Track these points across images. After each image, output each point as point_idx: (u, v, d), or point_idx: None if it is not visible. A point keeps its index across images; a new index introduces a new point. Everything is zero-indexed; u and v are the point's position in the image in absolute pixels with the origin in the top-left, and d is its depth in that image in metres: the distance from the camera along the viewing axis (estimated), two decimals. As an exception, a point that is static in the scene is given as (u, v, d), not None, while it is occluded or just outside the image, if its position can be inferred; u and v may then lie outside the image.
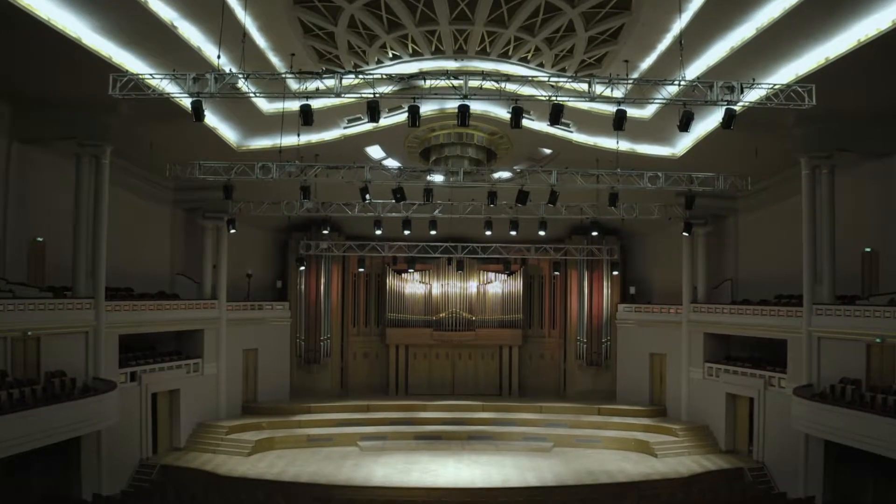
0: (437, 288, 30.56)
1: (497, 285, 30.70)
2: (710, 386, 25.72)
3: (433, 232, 25.16)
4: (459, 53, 19.86)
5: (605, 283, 29.95)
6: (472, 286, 30.59)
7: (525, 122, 22.90)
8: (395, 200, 21.85)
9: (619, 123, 15.68)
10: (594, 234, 25.23)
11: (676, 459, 23.75)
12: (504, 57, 20.01)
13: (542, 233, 24.98)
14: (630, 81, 15.74)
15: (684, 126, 15.42)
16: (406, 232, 24.83)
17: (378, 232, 24.99)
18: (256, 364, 28.68)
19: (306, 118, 15.86)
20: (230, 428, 25.27)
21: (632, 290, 29.96)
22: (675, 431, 25.33)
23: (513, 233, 24.88)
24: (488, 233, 25.01)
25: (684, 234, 25.21)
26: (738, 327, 24.64)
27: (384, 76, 16.04)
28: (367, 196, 21.69)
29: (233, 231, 25.38)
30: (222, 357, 26.70)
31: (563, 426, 26.68)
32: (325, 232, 25.41)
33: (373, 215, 25.02)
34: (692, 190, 21.85)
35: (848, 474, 19.02)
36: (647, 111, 21.86)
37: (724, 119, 15.04)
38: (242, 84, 15.47)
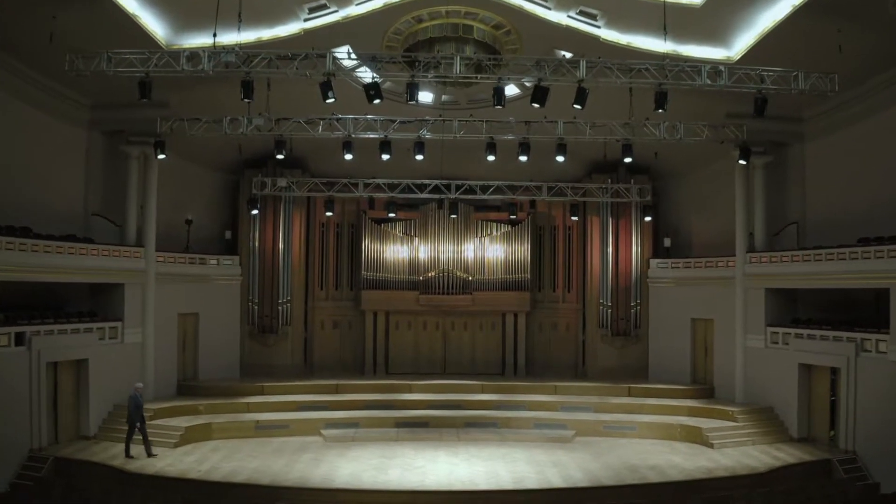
0: (424, 240, 24.68)
1: (499, 237, 24.85)
2: (775, 356, 20.14)
3: (419, 157, 19.35)
4: None
5: (634, 233, 24.21)
6: (468, 237, 24.75)
7: (538, 10, 17.52)
8: (367, 99, 16.16)
9: None
10: (627, 160, 19.41)
11: (740, 451, 18.17)
12: None
13: (560, 158, 19.25)
14: None
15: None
16: (385, 157, 19.08)
17: (348, 157, 19.22)
18: (197, 332, 22.88)
19: None
20: (156, 412, 19.44)
21: (666, 241, 24.25)
22: (732, 415, 19.69)
23: (522, 158, 19.13)
24: (491, 158, 19.27)
25: (741, 161, 19.66)
26: (815, 278, 19.11)
27: None
28: (331, 94, 16.03)
29: (161, 157, 19.65)
30: (149, 321, 20.86)
31: (586, 410, 21.03)
32: (281, 157, 19.44)
33: (341, 135, 19.25)
34: (763, 91, 16.25)
35: None
36: (699, -8, 16.42)
37: None
38: None
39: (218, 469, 16.23)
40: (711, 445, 18.49)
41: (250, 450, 18.04)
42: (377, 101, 16.28)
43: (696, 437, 19.06)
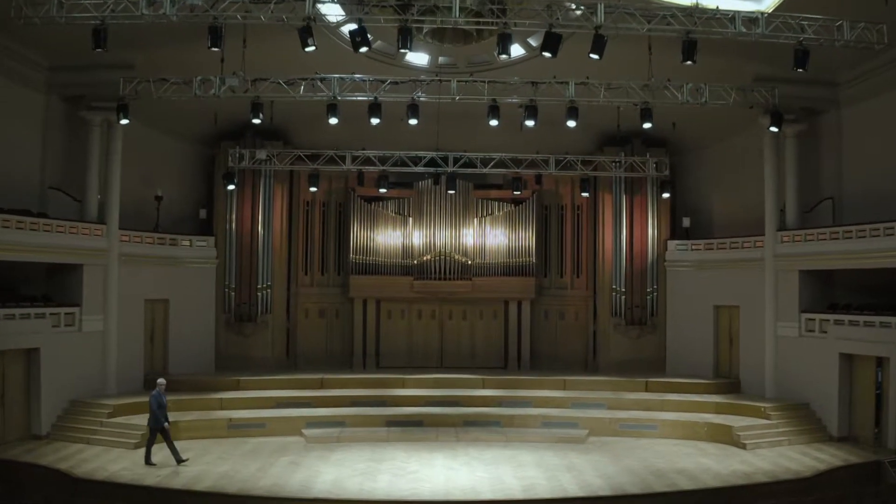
0: (419, 220, 22.50)
1: (501, 217, 22.67)
2: (811, 346, 18.05)
3: (413, 121, 17.15)
4: None
5: (650, 212, 22.06)
6: (467, 218, 22.58)
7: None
8: (352, 47, 13.99)
9: None
10: (646, 125, 17.27)
11: (775, 452, 16.12)
12: None
13: (570, 123, 17.10)
14: None
15: None
16: (374, 121, 16.92)
17: (333, 121, 17.02)
18: (166, 321, 20.69)
19: None
20: (116, 408, 17.32)
21: (685, 221, 22.09)
22: (765, 412, 17.59)
23: (529, 123, 16.97)
24: (493, 122, 17.10)
25: (772, 129, 17.55)
26: (856, 257, 17.03)
27: None
28: (311, 41, 13.93)
29: (124, 122, 17.48)
30: (112, 307, 18.69)
31: (599, 407, 18.91)
32: (257, 121, 17.22)
33: (325, 96, 17.03)
34: (804, 42, 14.13)
35: None
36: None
37: None
38: None
39: (180, 474, 14.08)
40: (743, 446, 16.43)
41: (221, 452, 15.91)
42: (364, 50, 14.15)
43: (724, 436, 16.98)
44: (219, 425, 17.38)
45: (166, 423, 14.92)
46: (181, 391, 18.97)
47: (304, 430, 17.42)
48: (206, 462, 14.88)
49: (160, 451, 14.89)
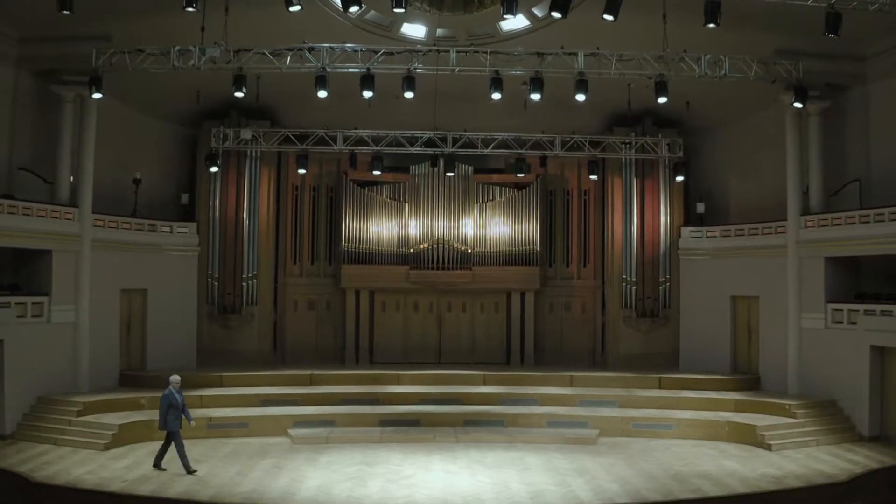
0: (416, 206, 21.17)
1: (503, 203, 21.34)
2: (838, 339, 16.78)
3: (409, 94, 15.80)
4: None
5: (662, 197, 20.69)
6: (467, 204, 21.26)
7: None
8: (342, 5, 12.73)
9: None
10: (661, 100, 15.95)
11: (803, 453, 14.84)
12: None
13: (580, 97, 15.77)
14: None
15: None
16: (367, 94, 15.57)
17: (323, 94, 15.66)
18: (144, 312, 19.31)
19: None
20: (86, 406, 15.98)
21: (699, 207, 20.77)
22: (790, 410, 16.29)
23: (535, 97, 15.67)
24: (496, 96, 15.78)
25: (796, 104, 16.26)
26: (887, 242, 15.81)
27: None
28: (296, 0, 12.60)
29: (97, 96, 16.13)
30: (84, 297, 17.36)
31: (610, 405, 17.58)
32: (240, 95, 15.78)
33: (314, 68, 15.68)
34: (835, 5, 12.85)
35: None
36: None
37: None
38: None
39: (150, 479, 12.72)
40: (768, 447, 15.14)
41: (199, 454, 14.47)
42: (355, 10, 12.92)
43: (747, 436, 15.67)
44: (197, 425, 15.81)
45: (178, 428, 13.23)
46: (158, 388, 17.30)
47: (290, 431, 16.09)
48: (179, 466, 13.45)
49: (129, 456, 13.61)
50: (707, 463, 14.04)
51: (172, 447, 13.26)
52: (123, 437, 15.14)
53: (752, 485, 12.44)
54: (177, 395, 13.38)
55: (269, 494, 11.89)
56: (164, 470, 13.16)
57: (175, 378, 13.64)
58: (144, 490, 12.01)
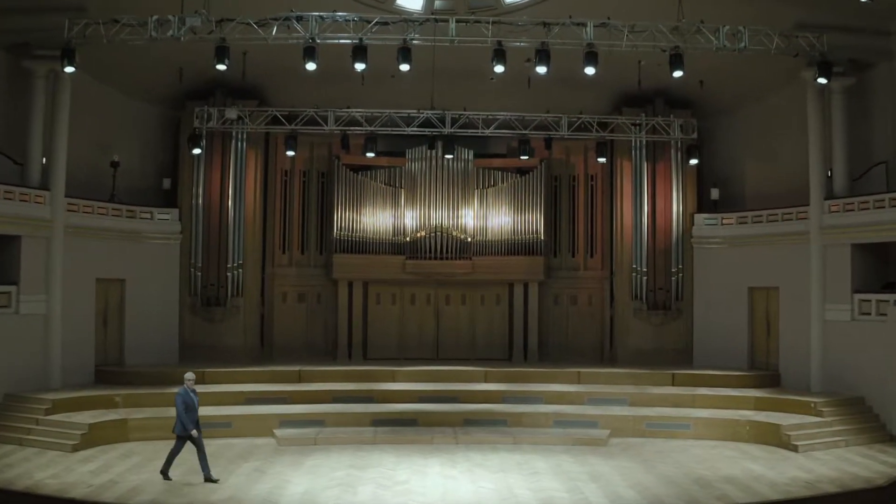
0: (412, 192, 20.02)
1: (505, 189, 20.18)
2: (867, 332, 15.69)
3: (404, 67, 14.58)
4: None
5: (674, 182, 19.50)
6: (467, 189, 20.10)
7: None
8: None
9: None
10: (677, 74, 14.73)
11: (833, 455, 13.72)
12: None
13: (590, 70, 14.54)
14: None
15: None
16: (359, 66, 14.40)
17: (311, 66, 14.39)
18: (122, 304, 18.19)
19: None
20: (55, 403, 14.81)
21: (714, 193, 19.63)
22: (816, 408, 15.13)
23: (541, 70, 14.45)
24: (499, 69, 14.55)
25: (819, 80, 15.05)
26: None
27: None
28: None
29: (70, 69, 14.85)
30: (56, 287, 16.27)
31: (621, 403, 16.44)
32: (222, 68, 14.56)
33: (302, 38, 14.46)
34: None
35: None
36: None
37: None
38: None
39: (118, 484, 11.52)
40: (794, 448, 14.00)
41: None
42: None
43: (771, 437, 14.53)
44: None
45: (195, 430, 11.82)
46: (136, 384, 16.65)
47: (276, 431, 14.91)
48: (153, 469, 12.27)
49: (99, 458, 12.36)
50: (730, 466, 12.87)
51: (182, 452, 12.02)
52: (94, 437, 14.00)
53: (782, 490, 11.26)
54: (192, 394, 12.01)
55: (248, 502, 10.69)
56: (217, 481, 11.67)
57: (190, 375, 12.17)
58: (108, 497, 10.81)
